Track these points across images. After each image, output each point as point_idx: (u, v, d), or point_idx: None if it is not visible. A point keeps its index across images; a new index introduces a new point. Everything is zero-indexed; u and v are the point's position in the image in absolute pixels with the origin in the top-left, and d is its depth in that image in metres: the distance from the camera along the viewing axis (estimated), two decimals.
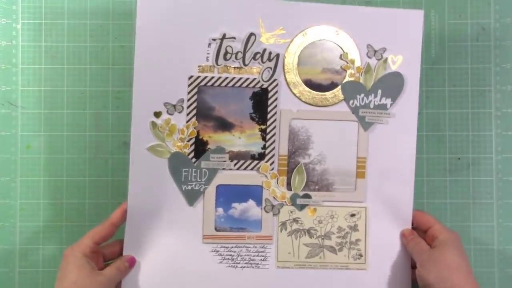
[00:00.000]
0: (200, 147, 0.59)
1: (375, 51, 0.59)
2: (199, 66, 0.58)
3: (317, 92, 0.60)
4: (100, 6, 0.64)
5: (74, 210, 0.63)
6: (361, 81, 0.59)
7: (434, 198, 0.63)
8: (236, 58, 0.58)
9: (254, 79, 0.59)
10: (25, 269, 0.62)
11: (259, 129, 0.59)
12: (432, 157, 0.63)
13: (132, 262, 0.57)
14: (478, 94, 0.63)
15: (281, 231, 0.60)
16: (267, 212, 0.60)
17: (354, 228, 0.60)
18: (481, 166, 0.63)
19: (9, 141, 0.63)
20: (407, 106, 0.59)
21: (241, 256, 0.59)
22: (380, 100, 0.59)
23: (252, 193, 0.59)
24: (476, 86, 0.63)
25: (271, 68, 0.59)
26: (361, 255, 0.60)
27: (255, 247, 0.60)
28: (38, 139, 0.63)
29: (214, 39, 0.58)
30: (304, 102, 0.59)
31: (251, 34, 0.58)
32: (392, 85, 0.59)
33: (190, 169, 0.58)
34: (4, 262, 0.62)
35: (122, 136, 0.63)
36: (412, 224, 0.60)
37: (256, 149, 0.59)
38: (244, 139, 0.59)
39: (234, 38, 0.58)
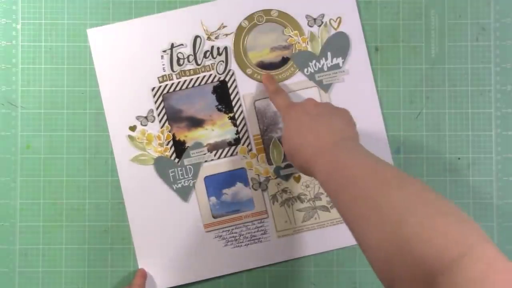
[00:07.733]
0: (180, 147, 0.63)
1: (314, 19, 0.63)
2: (158, 77, 0.62)
3: (272, 70, 0.63)
4: (100, 6, 0.64)
5: (74, 210, 0.63)
6: (309, 49, 0.63)
7: None
8: (188, 61, 0.63)
9: (211, 74, 0.63)
10: (25, 269, 0.62)
11: (228, 117, 0.63)
12: (432, 157, 0.63)
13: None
14: (478, 94, 0.63)
15: (273, 204, 0.63)
16: (255, 190, 0.63)
17: None
18: (481, 166, 0.63)
19: (9, 141, 0.63)
20: (358, 60, 0.63)
21: (242, 235, 0.63)
22: (332, 61, 0.63)
23: (237, 176, 0.63)
24: (476, 86, 0.63)
25: (223, 61, 0.63)
26: None
27: (254, 224, 0.63)
28: (38, 139, 0.63)
29: (164, 51, 0.63)
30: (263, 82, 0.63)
31: (197, 36, 0.63)
32: (339, 45, 0.63)
33: (175, 169, 0.62)
34: (4, 262, 0.62)
35: None
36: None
37: (230, 136, 0.63)
38: (217, 130, 0.63)
39: (182, 44, 0.63)
